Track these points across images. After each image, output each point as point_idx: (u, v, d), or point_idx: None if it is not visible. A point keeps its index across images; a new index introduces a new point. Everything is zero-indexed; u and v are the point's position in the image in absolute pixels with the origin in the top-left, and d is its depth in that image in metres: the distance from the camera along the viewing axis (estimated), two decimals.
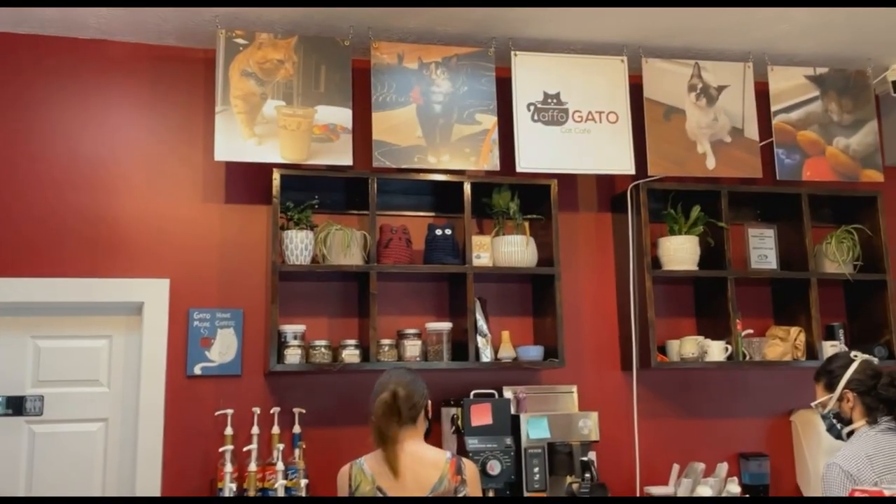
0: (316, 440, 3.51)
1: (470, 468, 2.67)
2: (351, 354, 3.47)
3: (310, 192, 3.63)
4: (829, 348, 3.86)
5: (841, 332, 3.98)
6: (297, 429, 3.44)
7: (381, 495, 2.59)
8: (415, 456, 2.64)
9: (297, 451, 3.35)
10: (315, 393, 3.59)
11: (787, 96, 4.04)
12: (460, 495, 2.59)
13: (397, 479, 2.59)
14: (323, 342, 3.47)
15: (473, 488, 2.63)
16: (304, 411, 3.49)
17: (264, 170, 3.57)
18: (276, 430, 3.39)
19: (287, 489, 3.20)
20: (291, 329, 3.45)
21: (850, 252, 3.98)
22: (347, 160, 3.59)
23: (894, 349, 3.89)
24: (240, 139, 3.50)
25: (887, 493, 1.86)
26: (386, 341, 3.52)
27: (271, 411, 3.44)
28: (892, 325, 3.91)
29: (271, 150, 3.52)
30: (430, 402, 2.79)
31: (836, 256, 3.96)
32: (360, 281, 3.65)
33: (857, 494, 1.87)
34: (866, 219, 4.05)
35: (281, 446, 3.28)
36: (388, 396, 2.68)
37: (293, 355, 3.38)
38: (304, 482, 3.22)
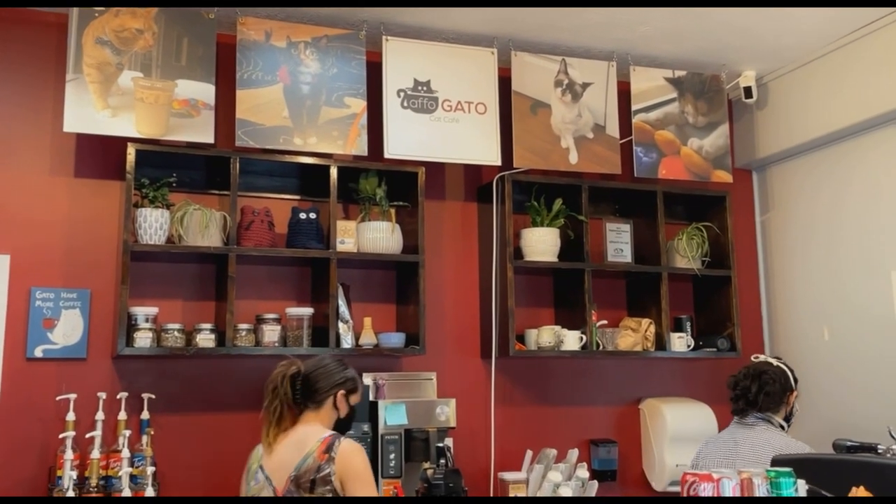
0: (166, 427, 3.40)
1: (345, 448, 2.59)
2: (206, 339, 3.37)
3: (167, 169, 3.49)
4: (677, 340, 4.05)
5: (688, 324, 4.18)
6: (145, 415, 3.31)
7: (260, 473, 2.66)
8: (295, 436, 2.65)
9: (144, 438, 3.23)
10: (167, 378, 3.47)
11: (646, 96, 4.20)
12: (324, 473, 2.55)
13: (269, 457, 2.66)
14: (176, 325, 3.35)
15: (343, 467, 2.55)
16: (153, 397, 3.36)
17: (118, 144, 3.41)
18: (122, 416, 3.26)
19: (132, 477, 3.09)
20: (143, 311, 3.32)
21: (700, 248, 4.18)
22: (209, 138, 3.47)
23: (736, 341, 4.12)
24: (92, 110, 3.32)
25: (716, 476, 1.96)
26: (243, 326, 3.44)
27: (118, 396, 3.30)
28: (735, 319, 4.14)
29: (126, 124, 3.36)
30: (342, 392, 2.74)
31: (686, 252, 4.15)
32: (218, 263, 3.55)
33: (688, 478, 1.97)
34: (715, 217, 4.26)
35: (127, 433, 3.16)
36: (276, 374, 2.71)
37: (143, 338, 3.25)
38: (150, 470, 3.11)
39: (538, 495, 3.58)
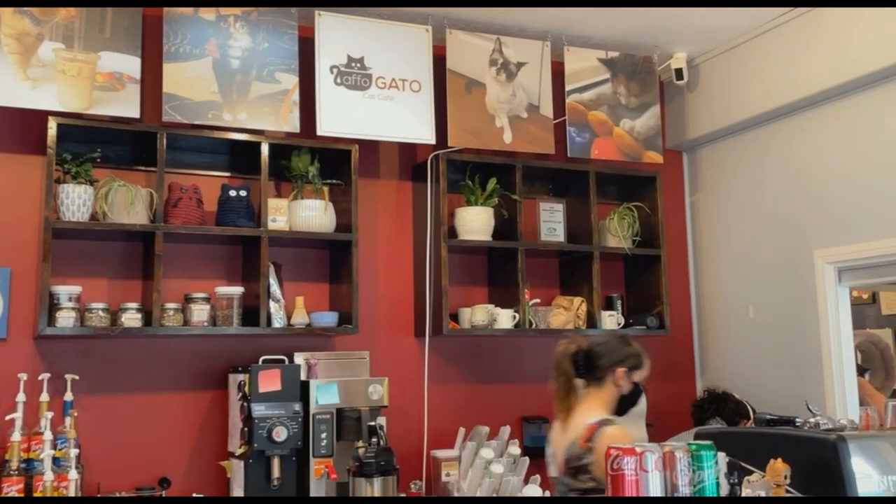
0: (91, 408, 3.33)
1: (605, 437, 2.50)
2: (131, 319, 3.29)
3: (91, 144, 3.39)
4: (608, 318, 4.11)
5: (619, 302, 4.24)
6: (69, 396, 3.23)
7: (548, 447, 2.78)
8: (573, 418, 2.68)
9: (67, 420, 3.15)
10: (91, 359, 3.39)
11: (580, 77, 4.22)
12: (584, 462, 2.55)
13: (556, 433, 2.75)
14: (101, 305, 3.27)
15: (601, 457, 2.26)
16: (77, 378, 3.28)
17: (39, 117, 3.30)
18: (44, 397, 3.17)
19: (55, 459, 3.01)
20: (65, 290, 3.22)
21: (631, 228, 4.24)
22: (134, 112, 3.38)
23: (665, 319, 4.20)
24: (12, 82, 3.20)
25: (639, 450, 2.00)
26: (171, 305, 3.38)
27: (40, 378, 3.21)
28: (664, 297, 4.22)
29: (47, 96, 3.25)
30: (623, 369, 2.72)
31: (617, 231, 4.21)
32: (144, 241, 3.47)
33: (612, 451, 2.00)
34: (646, 197, 4.32)
35: (49, 415, 3.07)
36: (558, 353, 2.78)
37: (66, 318, 3.17)
38: (74, 452, 3.03)
39: (470, 473, 3.60)
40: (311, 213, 3.64)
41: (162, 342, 3.52)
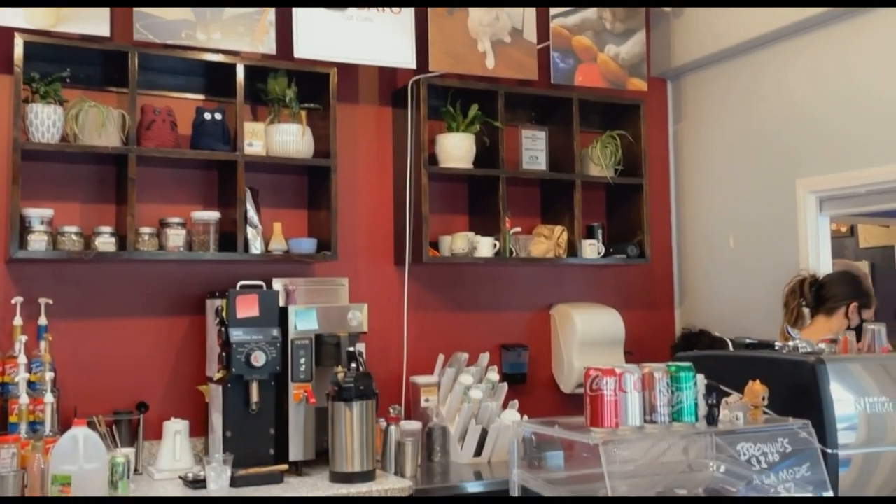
0: (66, 333, 3.29)
1: None
2: (105, 243, 3.24)
3: (61, 64, 3.28)
4: (588, 247, 4.09)
5: (600, 231, 4.22)
6: (42, 320, 3.18)
7: None
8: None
9: (42, 344, 3.11)
10: (65, 283, 3.33)
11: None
12: None
13: None
14: (73, 228, 3.21)
15: None
16: (51, 302, 3.23)
17: (5, 34, 3.17)
18: (18, 321, 3.12)
19: (30, 383, 2.98)
20: (37, 213, 3.15)
21: (613, 157, 4.20)
22: (104, 30, 3.26)
23: (645, 249, 4.19)
24: None
25: (618, 371, 2.00)
26: (146, 230, 3.32)
27: (13, 301, 3.15)
28: (645, 226, 4.20)
29: (12, 12, 3.13)
30: (855, 304, 2.88)
31: (599, 160, 4.16)
32: (117, 164, 3.38)
33: (591, 373, 2.00)
34: (629, 125, 4.27)
35: (24, 338, 3.03)
36: (795, 279, 2.97)
37: (38, 241, 3.10)
38: (49, 375, 3.00)
39: (449, 398, 3.62)
40: (289, 138, 3.56)
41: (137, 267, 3.47)
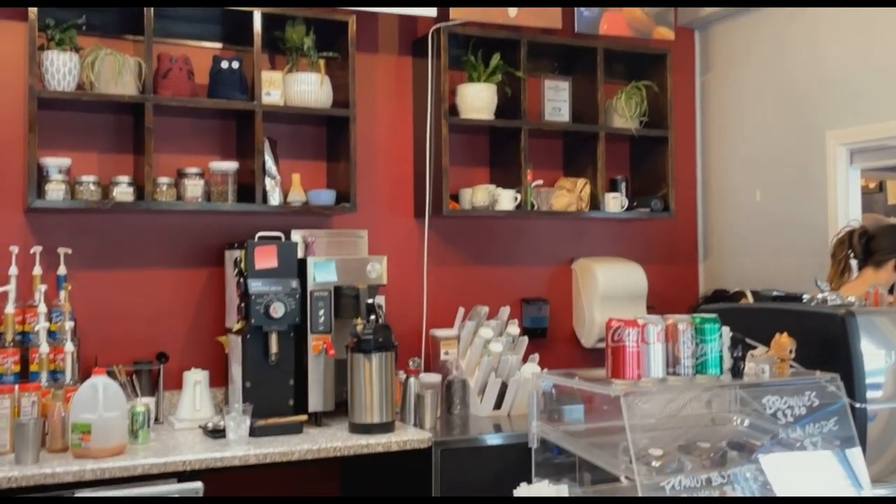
0: (85, 283, 3.28)
1: None
2: (123, 193, 3.21)
3: (76, 10, 3.22)
4: (611, 200, 4.02)
5: (623, 185, 4.15)
6: (62, 270, 3.18)
7: None
8: (850, 290, 2.72)
9: (62, 294, 3.11)
10: (83, 233, 3.32)
11: None
12: None
13: None
14: (91, 178, 3.18)
15: None
16: (70, 252, 3.22)
17: None
18: (37, 270, 3.11)
19: (50, 332, 2.98)
20: (55, 162, 3.13)
21: (638, 108, 4.10)
22: None
23: (670, 202, 4.12)
24: None
25: (641, 322, 1.95)
26: (164, 180, 3.29)
27: (32, 251, 3.14)
28: (669, 180, 4.12)
29: None
30: None
31: (624, 112, 4.07)
32: (134, 114, 3.34)
33: (613, 323, 1.95)
34: (655, 76, 4.16)
35: (43, 287, 3.03)
36: (844, 230, 2.93)
37: (56, 191, 3.08)
38: (69, 325, 3.00)
39: (469, 351, 3.60)
40: (307, 88, 3.50)
41: (156, 218, 3.45)
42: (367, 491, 3.51)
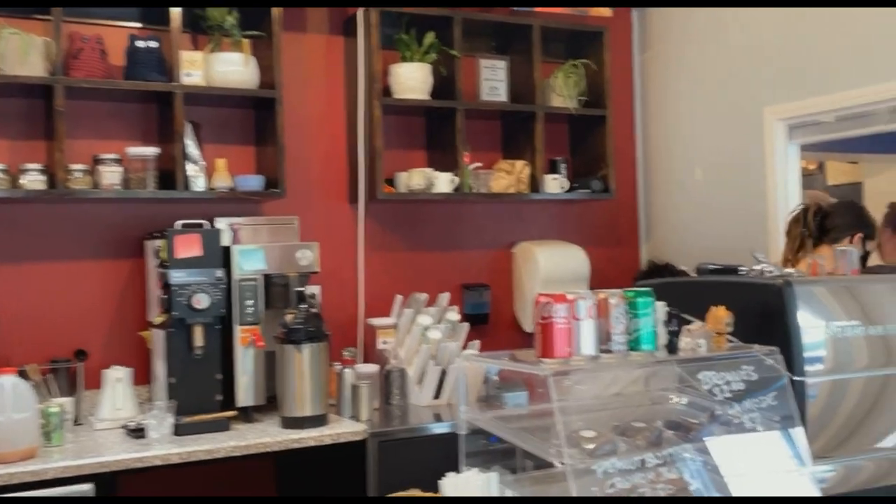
0: None
1: None
2: (34, 180, 3.03)
3: None
4: (551, 182, 3.94)
5: (563, 166, 4.06)
6: None
7: None
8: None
9: None
10: None
11: None
12: None
13: None
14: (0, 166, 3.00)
15: None
16: None
17: None
18: None
19: None
20: None
21: (576, 87, 4.01)
22: None
23: (610, 183, 4.04)
24: None
25: (570, 297, 1.85)
26: (78, 167, 3.11)
27: None
28: (609, 160, 4.05)
29: None
30: (860, 235, 2.84)
31: (562, 91, 3.98)
32: (44, 97, 3.15)
33: (542, 300, 1.85)
34: (593, 54, 4.08)
35: None
36: (799, 208, 2.95)
37: None
38: None
39: (407, 340, 3.48)
40: (231, 68, 3.34)
41: (70, 207, 3.27)
42: (304, 487, 3.37)
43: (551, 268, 3.94)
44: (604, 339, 1.92)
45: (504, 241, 4.10)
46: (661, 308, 1.99)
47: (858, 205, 2.99)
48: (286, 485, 3.48)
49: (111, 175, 3.16)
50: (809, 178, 6.25)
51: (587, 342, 1.87)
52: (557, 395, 1.75)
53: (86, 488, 2.46)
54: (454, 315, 3.59)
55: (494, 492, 1.78)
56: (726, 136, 3.98)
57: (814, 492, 2.04)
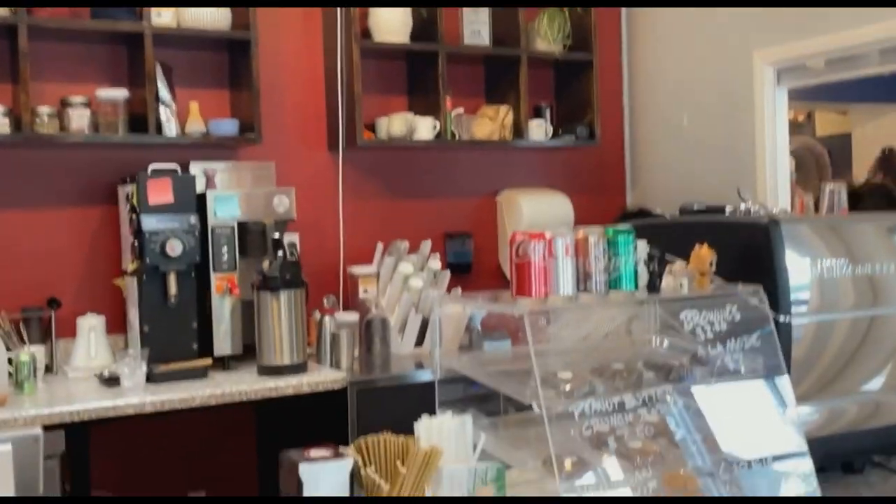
0: None
1: None
2: None
3: None
4: (535, 128, 3.85)
5: (548, 111, 3.97)
6: None
7: None
8: None
9: None
10: None
11: None
12: None
13: None
14: None
15: None
16: None
17: None
18: None
19: None
20: None
21: (561, 30, 3.90)
22: None
23: (596, 129, 3.96)
24: None
25: (548, 235, 1.79)
26: (45, 109, 3.01)
27: None
28: (595, 105, 3.96)
29: None
30: None
31: (546, 34, 3.87)
32: (9, 37, 3.03)
33: (518, 237, 1.79)
34: None
35: None
36: None
37: None
38: None
39: (389, 288, 3.42)
40: (203, 9, 3.23)
41: (39, 153, 3.17)
42: (283, 436, 3.32)
43: (535, 216, 3.87)
44: (583, 279, 1.86)
45: (487, 189, 4.02)
46: (642, 247, 1.93)
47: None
48: (266, 434, 3.45)
49: (80, 118, 3.06)
50: (800, 128, 6.20)
51: (565, 281, 1.81)
52: (534, 336, 1.69)
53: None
54: (436, 263, 3.53)
55: (469, 434, 1.73)
56: (714, 80, 3.89)
57: (797, 437, 1.99)
